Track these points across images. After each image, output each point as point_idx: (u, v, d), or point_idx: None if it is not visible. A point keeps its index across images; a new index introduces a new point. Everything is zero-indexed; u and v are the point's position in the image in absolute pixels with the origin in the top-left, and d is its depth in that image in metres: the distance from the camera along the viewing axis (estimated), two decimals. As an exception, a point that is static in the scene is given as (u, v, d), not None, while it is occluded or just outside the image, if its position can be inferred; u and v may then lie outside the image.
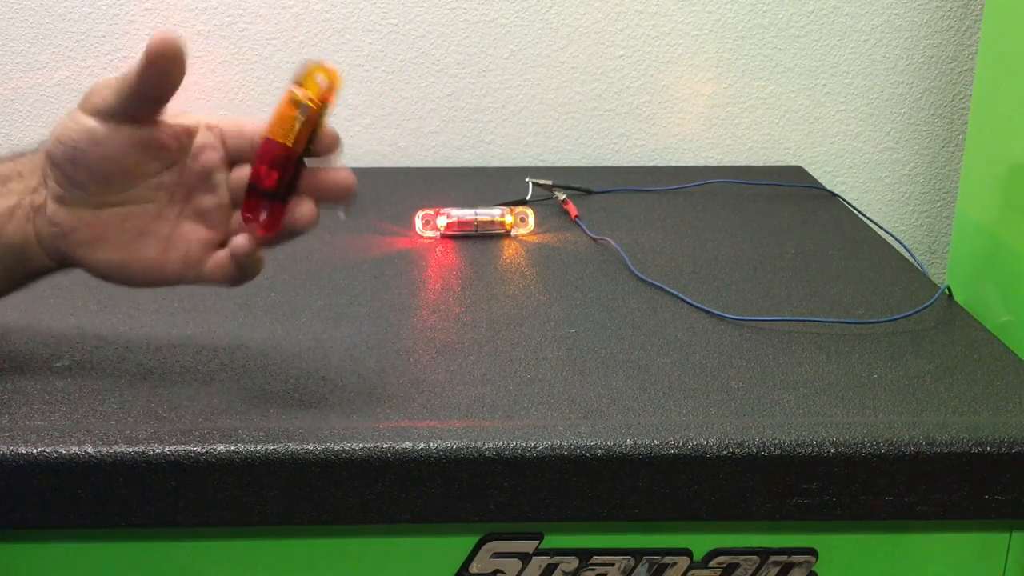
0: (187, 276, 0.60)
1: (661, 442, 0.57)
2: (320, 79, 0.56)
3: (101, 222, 0.59)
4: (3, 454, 0.55)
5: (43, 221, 0.59)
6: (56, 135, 0.58)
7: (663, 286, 0.78)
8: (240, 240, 0.57)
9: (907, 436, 0.58)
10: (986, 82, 0.99)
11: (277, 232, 0.58)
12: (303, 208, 0.57)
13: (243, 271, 0.59)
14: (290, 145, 0.56)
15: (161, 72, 0.55)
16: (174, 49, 0.55)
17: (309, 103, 0.56)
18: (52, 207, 0.59)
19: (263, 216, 0.57)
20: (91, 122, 0.57)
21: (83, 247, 0.59)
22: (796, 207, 0.99)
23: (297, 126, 0.56)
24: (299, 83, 0.56)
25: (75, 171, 0.57)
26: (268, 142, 0.56)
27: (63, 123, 0.58)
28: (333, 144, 0.58)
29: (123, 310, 0.72)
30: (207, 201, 0.60)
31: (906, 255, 0.86)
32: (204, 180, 0.60)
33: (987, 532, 0.62)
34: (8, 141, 1.10)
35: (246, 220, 0.57)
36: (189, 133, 0.60)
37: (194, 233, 0.60)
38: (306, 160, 0.58)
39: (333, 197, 0.58)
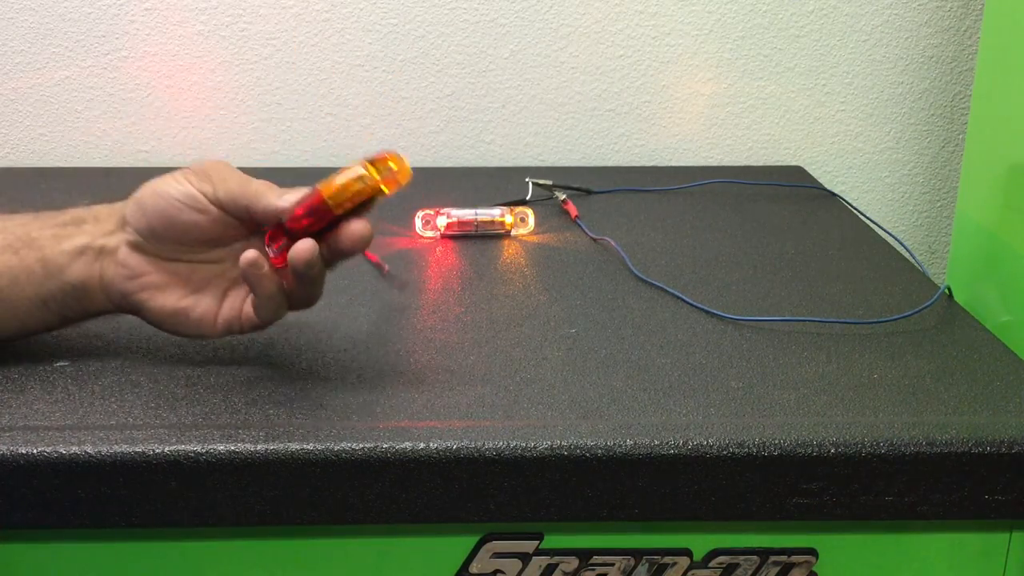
0: (232, 328, 0.63)
1: (661, 442, 0.57)
2: (391, 168, 0.59)
3: (169, 271, 0.62)
4: (3, 454, 0.55)
5: (111, 263, 0.62)
6: (156, 187, 0.61)
7: (663, 286, 0.78)
8: (249, 252, 0.59)
9: (907, 436, 0.58)
10: (986, 82, 0.99)
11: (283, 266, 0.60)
12: (302, 243, 0.58)
13: (263, 300, 0.60)
14: (331, 207, 0.59)
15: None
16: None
17: (368, 181, 0.58)
18: (124, 251, 0.61)
19: (277, 246, 0.60)
20: (198, 192, 0.60)
21: (146, 291, 0.62)
22: (796, 207, 0.99)
23: (347, 195, 0.59)
24: (372, 162, 0.59)
25: (163, 227, 0.61)
26: (317, 194, 0.59)
27: (166, 179, 0.61)
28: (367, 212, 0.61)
29: (123, 310, 0.72)
30: (267, 263, 0.62)
31: (906, 255, 0.86)
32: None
33: (987, 532, 0.62)
34: (8, 141, 1.10)
35: (267, 245, 0.60)
36: (277, 214, 0.61)
37: (246, 288, 0.62)
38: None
39: (350, 246, 0.60)
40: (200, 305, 0.62)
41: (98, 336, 0.68)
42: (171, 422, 0.57)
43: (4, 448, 0.55)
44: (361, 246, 0.60)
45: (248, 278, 0.59)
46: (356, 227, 0.59)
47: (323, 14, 1.09)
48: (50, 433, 0.56)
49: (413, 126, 1.13)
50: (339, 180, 0.59)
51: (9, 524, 0.56)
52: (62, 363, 0.64)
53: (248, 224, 0.62)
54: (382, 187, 0.58)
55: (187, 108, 1.11)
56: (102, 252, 0.62)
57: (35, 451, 0.55)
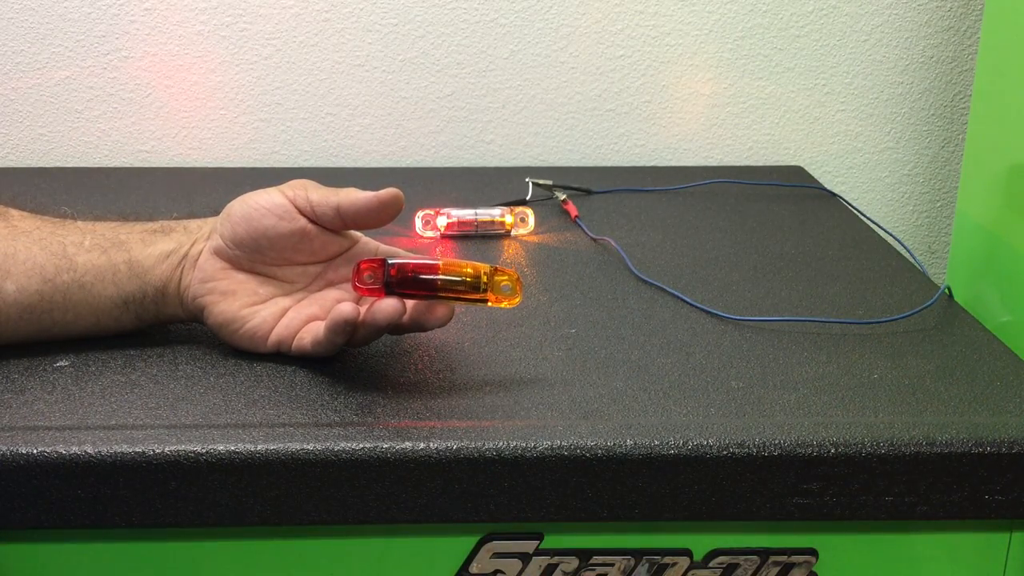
0: (282, 348, 0.64)
1: (661, 442, 0.57)
2: (507, 286, 0.62)
3: (238, 281, 0.64)
4: (3, 454, 0.55)
5: (191, 267, 0.64)
6: (246, 196, 0.64)
7: (663, 286, 0.78)
8: (348, 307, 0.60)
9: (907, 436, 0.58)
10: (986, 82, 0.99)
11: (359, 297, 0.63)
12: (392, 304, 0.60)
13: (328, 344, 0.62)
14: (438, 287, 0.61)
15: (377, 216, 0.63)
16: (399, 206, 0.63)
17: (482, 286, 0.61)
18: (205, 256, 0.64)
19: (369, 281, 0.61)
20: (287, 201, 0.63)
21: (212, 295, 0.64)
22: (796, 207, 0.99)
23: (458, 287, 0.61)
24: (499, 269, 0.62)
25: (245, 231, 0.63)
26: (435, 268, 0.61)
27: (258, 191, 0.64)
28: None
29: (123, 310, 0.71)
30: (335, 292, 0.65)
31: (906, 255, 0.86)
32: (345, 280, 0.66)
33: (987, 532, 0.62)
34: (8, 141, 1.11)
35: (357, 271, 0.61)
36: (350, 242, 0.66)
37: (307, 309, 0.64)
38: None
39: (430, 323, 0.63)
40: (256, 318, 0.64)
41: (99, 336, 0.67)
42: (171, 422, 0.58)
43: (4, 448, 0.55)
44: (436, 326, 0.63)
45: (334, 325, 0.60)
46: (442, 311, 0.62)
47: (323, 14, 1.09)
48: (50, 433, 0.56)
49: (413, 126, 1.13)
50: (464, 264, 0.61)
51: (9, 524, 0.56)
52: (62, 363, 0.64)
53: (327, 239, 0.64)
54: (487, 296, 0.61)
55: (187, 108, 1.11)
56: (185, 258, 0.64)
57: (35, 451, 0.55)
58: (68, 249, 0.63)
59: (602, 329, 0.71)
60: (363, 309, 0.61)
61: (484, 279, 0.61)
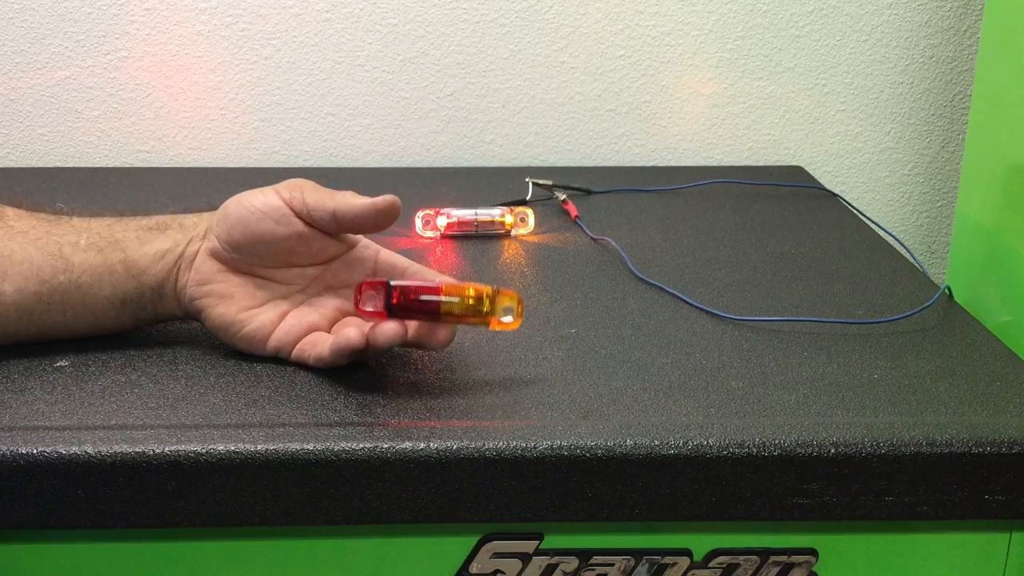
0: (281, 353, 0.64)
1: (661, 442, 0.57)
2: (509, 308, 0.62)
3: (236, 284, 0.64)
4: (3, 454, 0.55)
5: (187, 267, 0.64)
6: (241, 198, 0.64)
7: (663, 286, 0.78)
8: (354, 334, 0.60)
9: (907, 436, 0.58)
10: (986, 82, 0.99)
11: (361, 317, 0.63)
12: (393, 328, 0.60)
13: (329, 362, 0.63)
14: (440, 309, 0.60)
15: (373, 222, 0.63)
16: (396, 212, 0.63)
17: (484, 309, 0.61)
18: (201, 257, 0.64)
19: (370, 305, 0.60)
20: (283, 204, 0.63)
21: (210, 298, 0.64)
22: (796, 207, 0.99)
23: (461, 310, 0.61)
24: (501, 291, 0.61)
25: (242, 235, 0.63)
26: (437, 291, 0.60)
27: (254, 191, 0.64)
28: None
29: (123, 310, 0.71)
30: (334, 300, 0.65)
31: (906, 255, 0.86)
32: (344, 284, 0.65)
33: (987, 532, 0.62)
34: (8, 141, 1.11)
35: (360, 290, 0.61)
36: (349, 245, 0.66)
37: (307, 316, 0.64)
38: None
39: (432, 344, 0.62)
40: (255, 321, 0.64)
41: (98, 336, 0.67)
42: (171, 422, 0.58)
43: (4, 448, 0.55)
44: (438, 347, 0.63)
45: (339, 350, 0.61)
46: (444, 333, 0.62)
47: (323, 14, 1.09)
48: (50, 433, 0.56)
49: (413, 126, 1.13)
50: (465, 286, 0.61)
51: (9, 524, 0.56)
52: (62, 363, 0.64)
53: (325, 242, 0.64)
54: (490, 319, 0.61)
55: (187, 108, 1.11)
56: (182, 258, 0.64)
57: (35, 451, 0.55)
58: (64, 249, 0.63)
59: (602, 329, 0.71)
60: (366, 326, 0.61)
61: (486, 302, 0.61)
